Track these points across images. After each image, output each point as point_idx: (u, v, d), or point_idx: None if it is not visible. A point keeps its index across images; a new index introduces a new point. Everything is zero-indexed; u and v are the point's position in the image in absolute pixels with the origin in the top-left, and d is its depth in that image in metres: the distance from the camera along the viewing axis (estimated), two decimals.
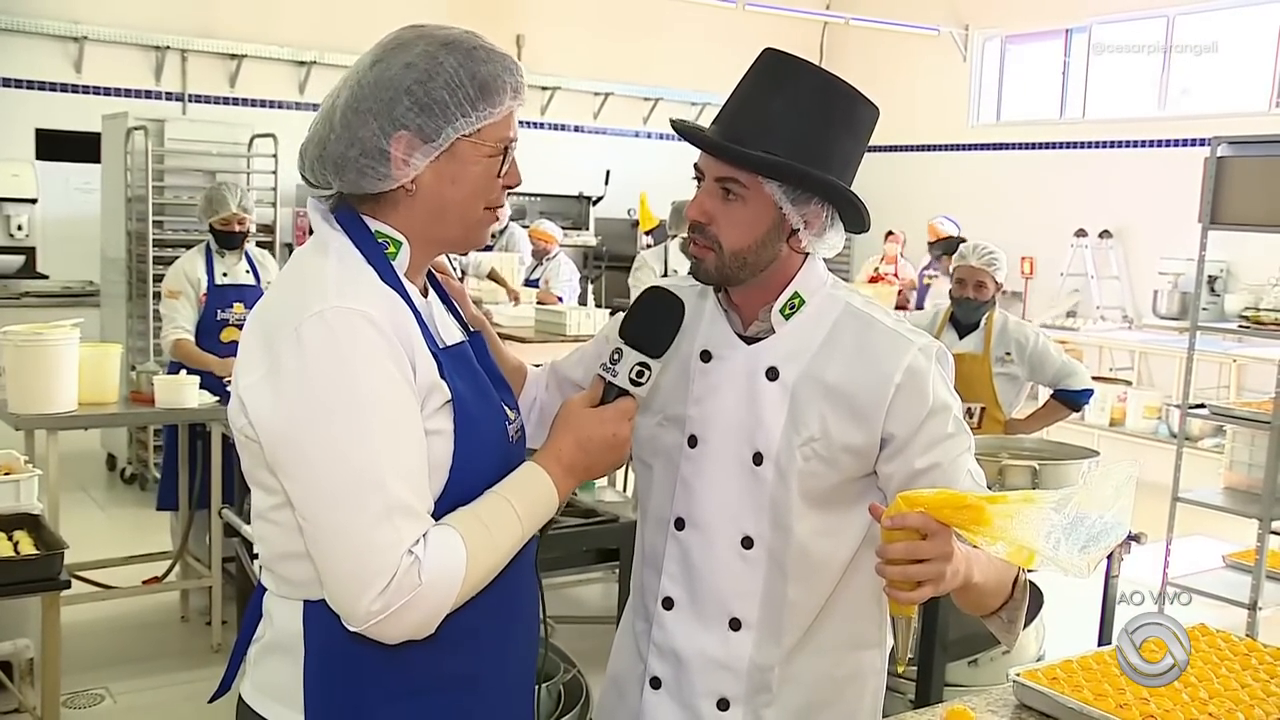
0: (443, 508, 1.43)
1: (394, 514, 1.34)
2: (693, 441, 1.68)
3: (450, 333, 1.55)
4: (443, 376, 1.44)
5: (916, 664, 3.17)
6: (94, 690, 4.17)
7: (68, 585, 3.13)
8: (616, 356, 1.54)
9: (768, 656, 1.67)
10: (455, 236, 1.52)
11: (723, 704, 1.69)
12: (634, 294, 7.10)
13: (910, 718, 1.88)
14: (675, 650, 1.70)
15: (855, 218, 1.65)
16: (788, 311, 1.65)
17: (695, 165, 1.64)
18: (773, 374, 1.64)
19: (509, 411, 1.56)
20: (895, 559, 1.38)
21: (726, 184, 1.59)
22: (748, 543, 1.65)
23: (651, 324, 1.57)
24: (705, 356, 1.69)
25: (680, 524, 1.69)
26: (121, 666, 4.38)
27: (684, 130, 1.64)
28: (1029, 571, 1.60)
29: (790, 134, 1.57)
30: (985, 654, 3.41)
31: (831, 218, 1.63)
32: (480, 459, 1.46)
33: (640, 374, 1.54)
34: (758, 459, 1.63)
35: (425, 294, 1.55)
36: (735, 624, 1.67)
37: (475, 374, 1.52)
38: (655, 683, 1.74)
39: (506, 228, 8.47)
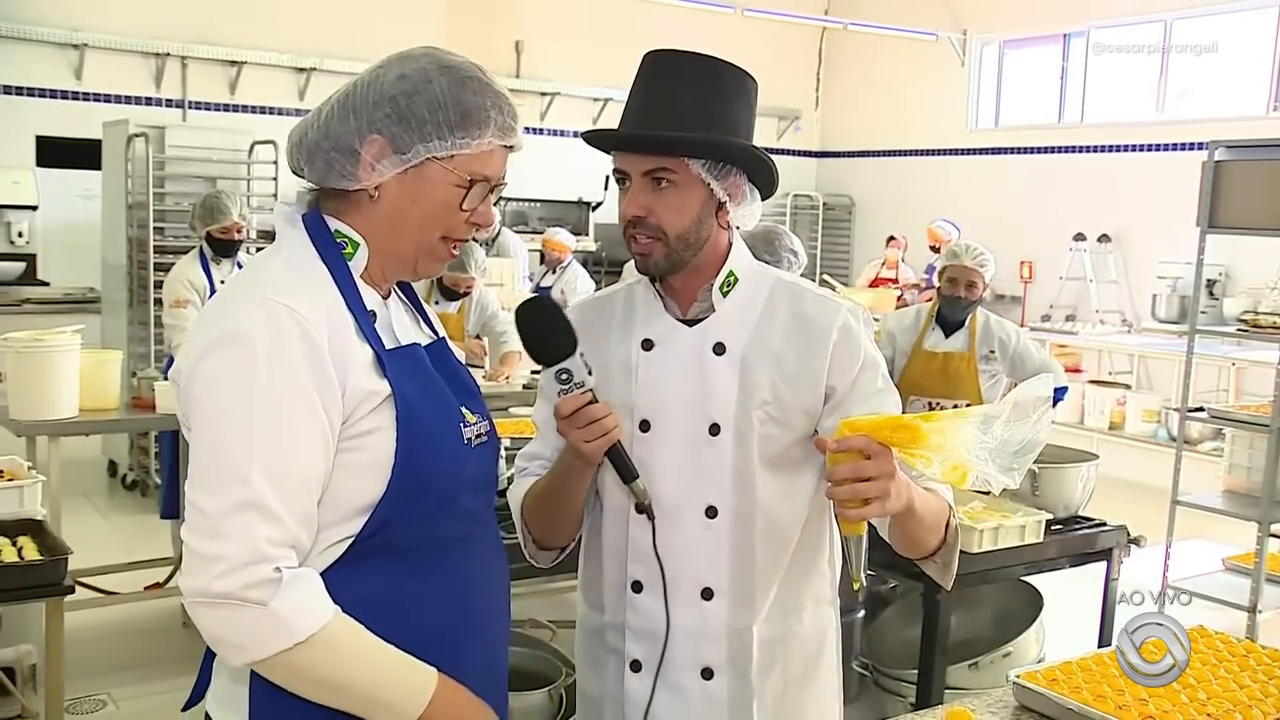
0: (389, 504, 1.43)
1: (249, 509, 1.34)
2: (644, 426, 1.73)
3: (408, 336, 1.56)
4: (384, 374, 1.45)
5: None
6: (96, 695, 4.18)
7: (71, 590, 3.13)
8: (565, 376, 1.59)
9: (743, 619, 1.73)
10: (407, 255, 1.53)
11: (707, 673, 1.74)
12: None
13: (911, 719, 1.89)
14: (652, 630, 1.74)
15: (766, 182, 1.74)
16: (725, 289, 1.74)
17: (616, 169, 1.72)
18: (720, 349, 1.72)
19: (468, 414, 1.56)
20: (842, 479, 1.48)
21: (657, 174, 1.67)
22: (711, 512, 1.72)
23: (551, 332, 1.61)
24: (647, 345, 1.76)
25: (640, 507, 1.73)
26: (124, 672, 4.39)
27: (597, 137, 1.73)
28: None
29: (699, 115, 1.66)
30: (985, 657, 3.42)
31: (749, 188, 1.73)
32: (427, 457, 1.46)
33: (589, 368, 1.61)
34: (714, 429, 1.71)
35: (387, 297, 1.56)
36: (707, 593, 1.73)
37: (427, 374, 1.53)
38: (635, 666, 1.77)
39: (499, 234, 8.47)
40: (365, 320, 1.47)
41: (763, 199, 1.77)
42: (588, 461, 1.65)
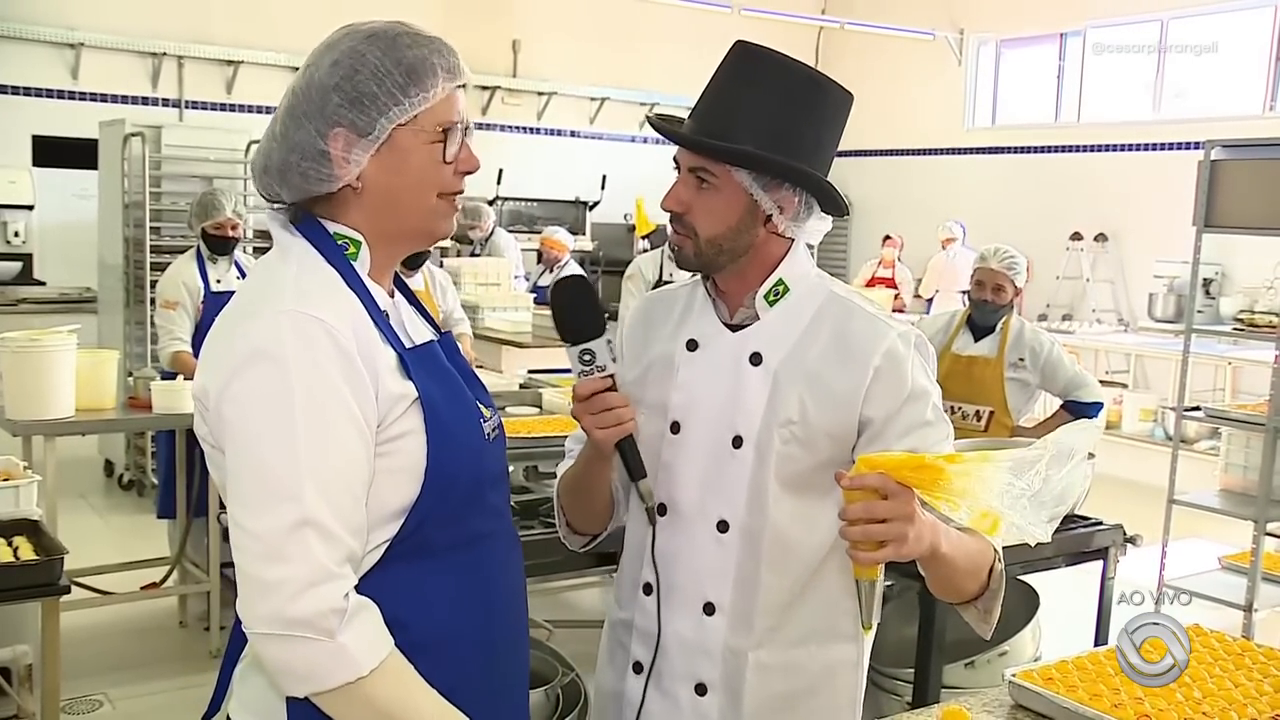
0: (423, 506, 1.42)
1: (305, 528, 1.32)
2: (675, 428, 1.71)
3: (419, 333, 1.54)
4: (409, 377, 1.43)
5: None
6: (93, 696, 4.17)
7: (68, 590, 3.13)
8: (588, 357, 1.58)
9: (741, 642, 1.69)
10: (413, 228, 1.50)
11: (700, 689, 1.71)
12: (625, 300, 7.09)
13: (906, 718, 1.89)
14: (654, 635, 1.73)
15: (832, 202, 1.69)
16: (772, 298, 1.70)
17: (674, 158, 1.69)
18: (756, 359, 1.68)
19: (484, 410, 1.56)
20: (854, 518, 1.39)
21: (698, 173, 1.65)
22: (723, 526, 1.68)
23: (582, 311, 1.61)
24: (691, 345, 1.73)
25: (662, 510, 1.72)
26: (120, 672, 4.39)
27: (659, 125, 1.71)
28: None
29: (757, 123, 1.62)
30: (982, 656, 3.42)
31: (806, 202, 1.67)
32: (455, 456, 1.45)
33: (612, 353, 1.59)
34: (737, 442, 1.67)
35: (392, 295, 1.54)
36: (709, 608, 1.70)
37: (445, 372, 1.51)
38: (637, 668, 1.76)
39: (492, 234, 8.47)
40: (383, 321, 1.45)
41: (832, 214, 1.71)
42: (599, 449, 1.63)
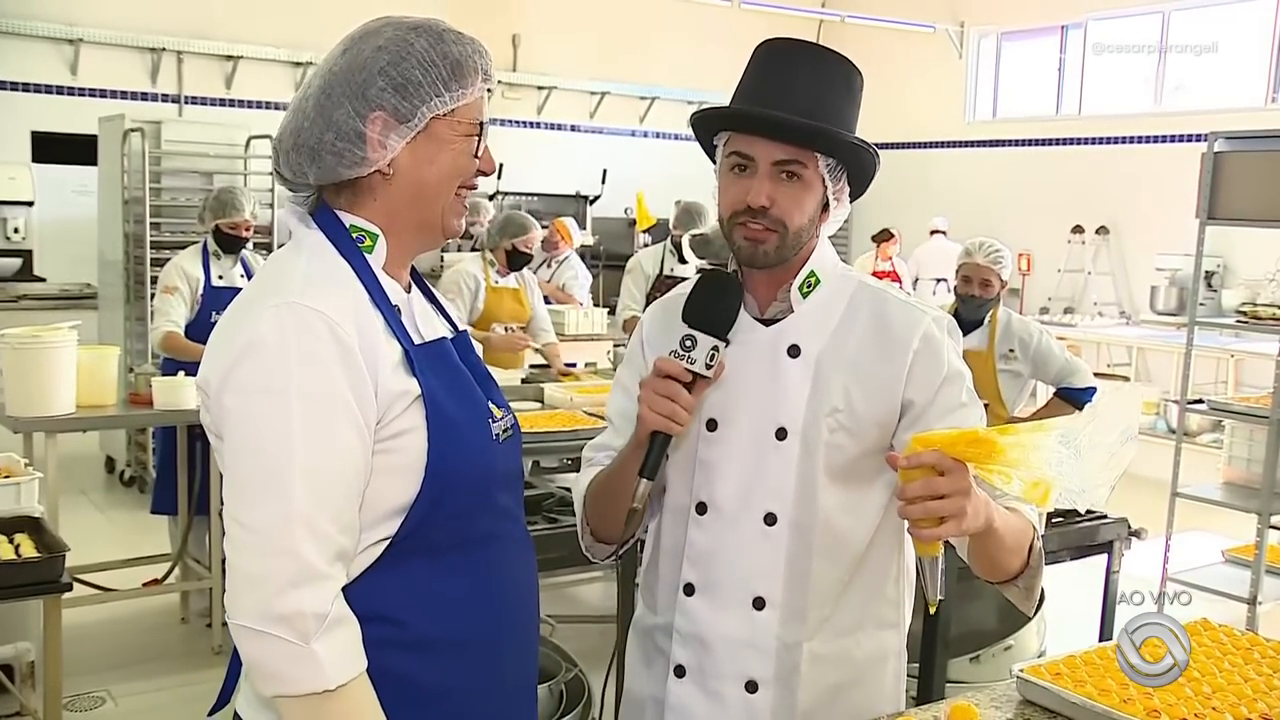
0: (424, 505, 1.41)
1: (295, 522, 1.31)
2: (711, 425, 1.70)
3: (432, 329, 1.53)
4: (414, 373, 1.42)
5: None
6: (95, 693, 4.17)
7: (69, 588, 3.12)
8: (690, 343, 1.55)
9: (794, 634, 1.68)
10: (430, 220, 1.50)
11: (751, 686, 1.69)
12: (625, 294, 7.05)
13: (915, 714, 1.88)
14: (699, 635, 1.71)
15: (860, 192, 1.71)
16: (805, 290, 1.70)
17: (738, 152, 1.64)
18: (794, 351, 1.67)
19: (495, 409, 1.54)
20: (914, 496, 1.38)
21: (789, 166, 1.61)
22: (770, 519, 1.67)
23: (717, 305, 1.59)
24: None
25: (702, 508, 1.70)
26: (122, 669, 4.38)
27: (734, 116, 1.64)
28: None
29: (828, 110, 1.61)
30: (987, 650, 3.42)
31: (847, 193, 1.70)
32: (459, 454, 1.44)
33: (712, 357, 1.56)
34: (781, 434, 1.66)
35: (409, 290, 1.54)
36: (759, 603, 1.68)
37: (455, 370, 1.51)
38: (680, 671, 1.74)
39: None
40: (392, 316, 1.44)
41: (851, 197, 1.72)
42: (640, 427, 1.59)
